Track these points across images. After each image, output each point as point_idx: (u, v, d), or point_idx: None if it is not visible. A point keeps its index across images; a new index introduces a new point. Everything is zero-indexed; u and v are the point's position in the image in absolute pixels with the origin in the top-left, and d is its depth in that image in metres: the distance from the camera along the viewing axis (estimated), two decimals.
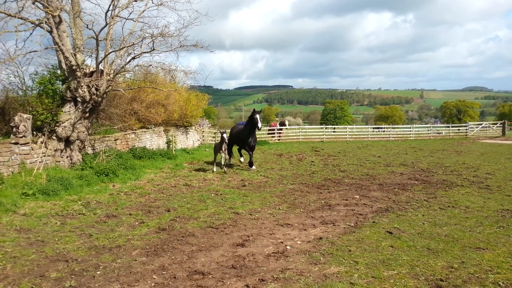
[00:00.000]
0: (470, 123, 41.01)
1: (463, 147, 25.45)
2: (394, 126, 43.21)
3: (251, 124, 15.47)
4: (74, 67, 12.94)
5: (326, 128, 40.87)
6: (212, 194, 10.78)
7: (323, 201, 10.00)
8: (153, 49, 13.91)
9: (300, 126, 43.35)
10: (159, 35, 13.88)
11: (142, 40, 13.93)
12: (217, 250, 6.51)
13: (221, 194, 10.84)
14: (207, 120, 66.70)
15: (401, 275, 5.38)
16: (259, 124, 15.17)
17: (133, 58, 14.07)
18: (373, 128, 44.38)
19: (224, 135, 14.59)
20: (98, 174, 12.25)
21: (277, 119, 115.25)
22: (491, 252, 6.25)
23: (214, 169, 15.09)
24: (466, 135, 36.78)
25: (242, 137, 15.84)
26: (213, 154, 15.91)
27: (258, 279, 5.31)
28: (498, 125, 40.84)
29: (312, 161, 18.38)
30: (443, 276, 5.34)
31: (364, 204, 9.77)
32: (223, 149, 14.90)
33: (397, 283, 5.11)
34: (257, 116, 15.16)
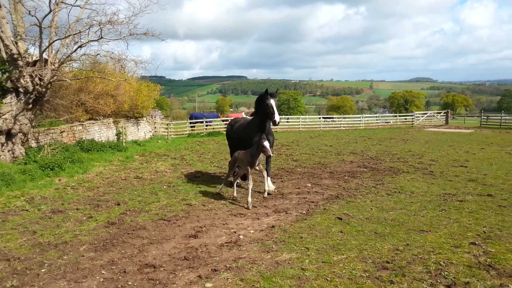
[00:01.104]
0: (416, 112, 42.92)
1: (409, 136, 26.57)
2: (345, 116, 44.29)
3: (263, 114, 9.71)
4: (15, 56, 12.20)
5: (280, 118, 41.21)
6: (165, 186, 10.60)
7: (276, 190, 10.10)
8: (101, 38, 13.39)
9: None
10: (107, 22, 13.36)
11: (89, 28, 13.36)
12: (169, 242, 6.41)
13: (173, 186, 10.68)
14: (159, 111, 65.37)
15: (350, 259, 5.55)
16: (276, 117, 9.51)
17: (80, 46, 13.47)
18: (325, 118, 45.31)
19: (266, 143, 8.54)
20: (43, 168, 11.69)
21: (231, 110, 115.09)
22: (433, 234, 6.58)
23: (235, 193, 9.45)
24: (412, 124, 38.42)
25: (250, 136, 9.86)
26: (228, 170, 9.93)
27: (211, 269, 5.29)
28: (442, 114, 42.94)
29: None
30: (389, 258, 5.56)
31: (315, 192, 9.97)
32: (257, 163, 8.93)
33: (346, 267, 5.27)
34: (272, 102, 9.50)
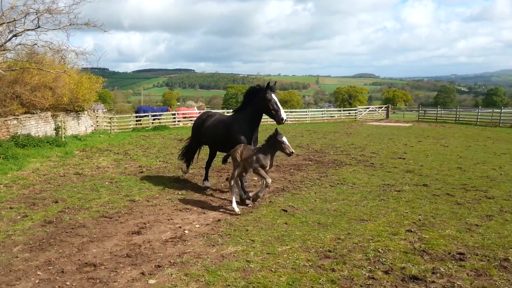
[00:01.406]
0: (359, 107, 44.50)
1: (352, 129, 27.51)
2: (292, 110, 45.04)
3: (256, 110, 8.46)
4: None
5: (227, 113, 41.22)
6: (106, 183, 10.23)
7: (223, 184, 10.09)
8: (39, 27, 12.70)
9: (203, 111, 43.09)
10: (45, 11, 12.67)
11: (25, 16, 12.61)
12: (111, 240, 6.21)
13: (116, 182, 10.34)
14: (102, 105, 62.93)
15: (293, 249, 5.66)
16: (283, 114, 8.23)
17: (15, 35, 12.68)
18: None
19: (284, 138, 7.34)
20: None
21: (178, 103, 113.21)
22: (373, 223, 6.86)
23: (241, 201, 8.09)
24: (355, 118, 39.80)
25: (236, 133, 8.57)
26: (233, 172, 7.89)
27: (155, 266, 5.19)
28: (383, 109, 44.82)
29: None
30: (331, 247, 5.73)
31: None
32: (266, 167, 7.57)
33: (290, 257, 5.37)
34: (275, 97, 8.32)
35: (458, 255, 5.40)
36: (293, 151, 7.43)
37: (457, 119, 36.49)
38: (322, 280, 4.69)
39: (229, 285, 4.59)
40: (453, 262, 5.20)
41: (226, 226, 6.73)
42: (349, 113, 42.73)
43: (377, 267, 5.07)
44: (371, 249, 5.67)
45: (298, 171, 11.77)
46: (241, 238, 6.12)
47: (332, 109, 66.42)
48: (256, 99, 8.43)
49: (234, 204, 7.56)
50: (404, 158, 14.06)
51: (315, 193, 9.06)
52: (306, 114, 39.61)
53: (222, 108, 74.20)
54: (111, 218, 7.26)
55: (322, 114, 41.75)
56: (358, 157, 14.48)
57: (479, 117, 35.04)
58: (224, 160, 8.22)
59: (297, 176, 11.01)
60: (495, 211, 7.53)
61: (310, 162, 13.41)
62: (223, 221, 7.03)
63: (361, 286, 4.57)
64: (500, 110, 37.09)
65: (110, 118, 28.71)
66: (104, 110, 55.04)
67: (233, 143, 8.37)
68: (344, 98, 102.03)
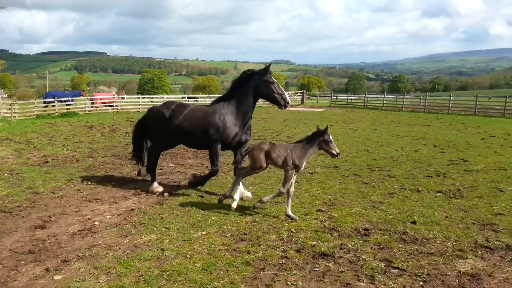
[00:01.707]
0: None
1: (269, 115, 28.13)
2: (210, 95, 44.73)
3: (257, 95, 7.67)
4: None
5: (143, 98, 39.78)
6: (6, 174, 9.35)
7: (136, 172, 9.73)
8: None
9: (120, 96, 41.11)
10: None
11: None
12: (11, 236, 5.70)
13: (17, 173, 9.50)
14: (1, 90, 57.36)
15: (209, 234, 5.65)
16: (287, 96, 7.63)
17: None
18: (189, 97, 45.10)
19: (331, 137, 6.44)
20: None
21: (89, 88, 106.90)
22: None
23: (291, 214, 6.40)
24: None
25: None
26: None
27: (61, 261, 4.86)
28: (298, 94, 46.31)
29: (127, 132, 17.70)
30: (247, 230, 5.82)
31: (178, 172, 9.90)
32: (300, 170, 6.64)
33: (206, 243, 5.35)
34: (273, 78, 7.72)
35: (363, 231, 5.78)
36: (339, 152, 6.61)
37: (365, 104, 38.93)
38: (237, 263, 4.75)
39: (142, 275, 4.46)
40: (359, 237, 5.56)
41: (140, 215, 6.52)
42: None
43: (290, 246, 5.25)
44: (284, 229, 5.85)
45: None
46: (155, 227, 5.97)
47: None
48: (254, 84, 7.55)
49: (234, 204, 6.63)
50: None
51: (232, 177, 9.11)
52: None
53: (137, 93, 71.30)
54: (11, 212, 6.66)
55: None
56: (274, 141, 14.80)
57: (384, 102, 37.73)
58: (238, 161, 6.88)
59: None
60: (397, 189, 8.17)
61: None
62: (136, 210, 6.80)
63: (274, 265, 4.70)
64: (403, 96, 40.23)
65: (10, 104, 26.22)
66: (4, 96, 50.21)
67: (226, 138, 7.48)
68: None
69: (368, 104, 38.82)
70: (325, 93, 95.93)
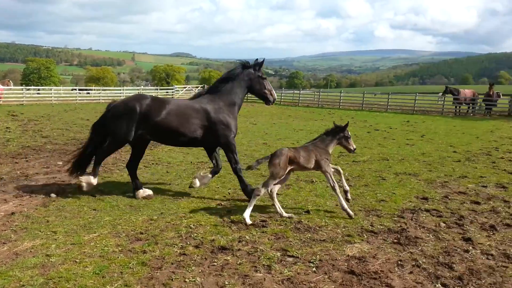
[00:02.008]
0: (176, 86, 44.65)
1: None
2: (104, 88, 42.37)
3: (247, 89, 7.60)
4: None
5: (27, 89, 36.24)
6: None
7: (19, 172, 8.82)
8: None
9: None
10: None
11: None
12: None
13: None
14: None
15: (102, 236, 5.32)
16: (274, 93, 7.86)
17: None
18: (81, 90, 42.25)
19: (349, 135, 6.51)
20: None
21: None
22: (186, 200, 6.97)
23: (283, 212, 6.26)
24: (172, 97, 39.89)
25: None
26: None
27: None
28: (199, 88, 45.99)
29: (7, 128, 15.97)
30: (143, 229, 5.59)
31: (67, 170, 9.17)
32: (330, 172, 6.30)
33: (98, 245, 5.03)
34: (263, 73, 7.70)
35: (261, 223, 5.91)
36: (356, 148, 6.57)
37: None
38: (133, 264, 4.54)
39: (23, 285, 4.04)
40: (257, 229, 5.67)
41: (22, 219, 5.90)
42: (166, 92, 42.56)
43: (188, 242, 5.17)
44: (183, 226, 5.74)
45: None
46: (40, 231, 5.46)
47: (149, 87, 65.03)
48: (248, 78, 7.38)
49: (247, 215, 5.94)
50: None
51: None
52: (121, 93, 37.81)
53: (21, 84, 64.62)
54: None
55: (139, 92, 40.52)
56: None
57: (282, 97, 39.19)
58: (253, 167, 6.37)
59: (109, 159, 10.38)
60: (292, 180, 8.51)
61: None
62: (18, 214, 6.14)
63: (172, 263, 4.58)
64: (299, 92, 42.18)
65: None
66: None
67: (217, 135, 7.12)
68: (161, 76, 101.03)
69: None
70: None
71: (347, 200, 6.46)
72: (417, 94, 35.31)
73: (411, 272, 4.47)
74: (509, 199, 7.37)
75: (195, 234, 5.43)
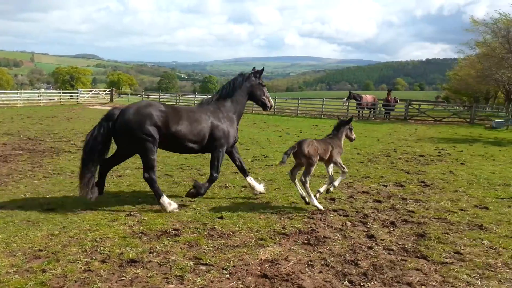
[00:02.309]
0: (81, 90, 42.11)
1: (73, 113, 25.82)
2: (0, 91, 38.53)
3: (249, 96, 7.80)
4: None
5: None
6: None
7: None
8: None
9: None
10: None
11: None
12: None
13: None
14: None
15: None
16: (271, 100, 8.04)
17: None
18: None
19: (352, 127, 7.63)
20: None
21: None
22: (91, 212, 6.54)
23: (318, 204, 6.98)
24: (77, 101, 37.51)
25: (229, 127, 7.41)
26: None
27: None
28: (107, 92, 43.88)
29: None
30: (43, 245, 5.13)
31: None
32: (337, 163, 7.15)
33: None
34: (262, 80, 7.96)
35: (173, 231, 5.75)
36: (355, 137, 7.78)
37: (177, 103, 39.43)
38: (30, 285, 4.13)
39: None
40: (169, 238, 5.49)
41: None
42: (70, 95, 39.93)
43: (94, 257, 4.84)
44: (88, 240, 5.37)
45: (5, 163, 10.12)
46: None
47: (51, 91, 60.52)
48: (249, 85, 7.67)
49: (315, 202, 6.90)
50: None
51: (25, 186, 7.99)
52: (18, 96, 34.66)
53: None
54: None
55: (39, 96, 37.51)
56: (79, 143, 13.64)
57: (196, 102, 38.92)
58: (284, 161, 6.84)
59: (3, 169, 9.44)
60: None
61: (21, 152, 11.77)
62: None
63: (75, 281, 4.25)
64: None
65: None
66: None
67: (230, 141, 7.35)
68: (65, 79, 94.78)
69: (180, 103, 39.45)
70: (137, 91, 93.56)
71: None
72: (324, 99, 37.31)
73: (320, 272, 4.64)
74: (407, 196, 8.03)
75: (101, 248, 5.10)
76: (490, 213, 7.02)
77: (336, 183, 7.22)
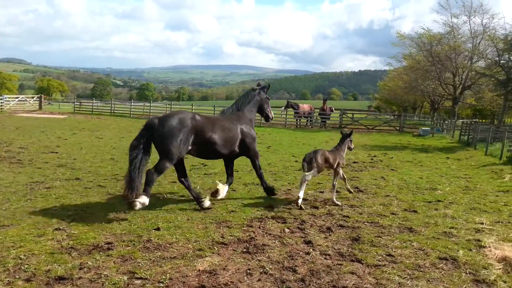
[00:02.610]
0: (6, 96, 39.43)
1: None
2: None
3: (258, 108, 8.96)
4: None
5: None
6: None
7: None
8: None
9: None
10: None
11: None
12: None
13: None
14: None
15: None
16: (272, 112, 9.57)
17: None
18: None
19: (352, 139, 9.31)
20: None
21: None
22: (16, 228, 6.06)
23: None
24: (2, 108, 35.01)
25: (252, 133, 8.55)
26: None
27: None
28: (35, 99, 41.41)
29: None
30: None
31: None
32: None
33: None
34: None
35: (106, 245, 5.47)
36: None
37: (112, 111, 38.02)
38: None
39: None
40: (101, 253, 5.22)
41: None
42: None
43: (17, 276, 4.47)
44: (11, 257, 4.95)
45: None
46: None
47: None
48: (259, 98, 8.81)
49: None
50: (57, 152, 13.34)
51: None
52: None
53: None
54: None
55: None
56: (2, 153, 12.67)
57: (132, 109, 37.78)
58: (305, 168, 7.92)
59: None
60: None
61: None
62: None
63: None
64: (150, 104, 41.21)
65: None
66: None
67: (246, 146, 8.18)
68: None
69: (115, 111, 38.06)
70: (69, 98, 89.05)
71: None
72: None
73: (259, 280, 4.63)
74: (342, 202, 8.29)
75: (26, 266, 4.73)
76: (418, 216, 7.44)
77: (334, 200, 8.23)
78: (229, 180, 8.37)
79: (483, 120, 42.95)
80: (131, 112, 36.73)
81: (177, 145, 6.97)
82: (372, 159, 15.24)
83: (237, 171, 11.31)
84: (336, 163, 8.18)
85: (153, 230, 6.14)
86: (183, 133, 7.03)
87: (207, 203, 7.42)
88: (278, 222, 6.83)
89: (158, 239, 5.77)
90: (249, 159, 8.43)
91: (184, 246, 5.57)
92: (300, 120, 34.08)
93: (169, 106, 40.03)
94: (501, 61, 22.71)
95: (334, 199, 8.18)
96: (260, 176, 8.51)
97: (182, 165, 7.67)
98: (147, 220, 6.65)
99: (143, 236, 5.90)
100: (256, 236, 6.08)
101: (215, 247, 5.58)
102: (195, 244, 5.67)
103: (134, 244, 5.59)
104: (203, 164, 12.25)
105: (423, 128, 29.26)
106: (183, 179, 7.62)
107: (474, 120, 37.59)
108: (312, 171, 7.73)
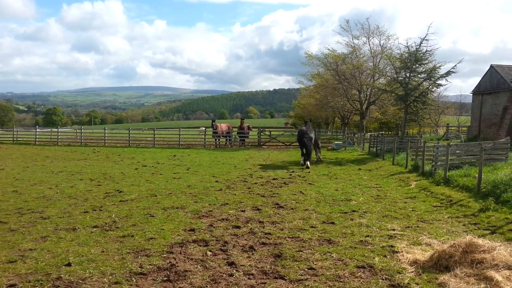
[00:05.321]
0: None
1: None
2: None
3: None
4: None
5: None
6: None
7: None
8: None
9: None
10: None
11: None
12: None
13: None
14: None
15: None
16: None
17: None
18: None
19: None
20: None
21: None
22: None
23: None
24: None
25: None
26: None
27: None
28: None
29: None
30: None
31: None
32: None
33: None
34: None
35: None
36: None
37: (15, 139, 34.98)
38: None
39: None
40: None
41: None
42: None
43: None
44: None
45: None
46: None
47: None
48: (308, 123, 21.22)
49: None
50: None
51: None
52: None
53: None
54: None
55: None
56: None
57: (37, 136, 35.06)
58: None
59: None
60: (50, 231, 7.49)
61: None
62: None
63: None
64: (57, 130, 38.58)
65: None
66: None
67: (316, 143, 20.69)
68: None
69: (18, 139, 35.06)
70: None
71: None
72: (181, 129, 37.28)
73: None
74: (263, 219, 8.34)
75: None
76: (336, 227, 7.72)
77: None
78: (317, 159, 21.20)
79: (389, 132, 46.52)
80: (37, 139, 34.07)
81: (308, 142, 19.75)
82: (290, 174, 15.65)
83: (156, 196, 10.93)
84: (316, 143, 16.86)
85: (64, 266, 5.64)
86: (310, 138, 19.98)
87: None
88: (200, 246, 6.66)
89: (69, 276, 5.30)
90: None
91: (98, 281, 5.18)
92: (219, 139, 34.10)
93: (79, 131, 37.77)
94: (399, 78, 24.79)
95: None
96: (317, 156, 20.35)
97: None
98: (56, 256, 6.10)
99: (52, 273, 5.39)
100: (177, 262, 5.85)
101: (133, 279, 5.26)
102: (111, 277, 5.30)
103: (41, 283, 5.08)
104: (118, 190, 11.65)
105: (336, 142, 30.81)
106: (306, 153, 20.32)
107: (380, 132, 40.49)
108: None
